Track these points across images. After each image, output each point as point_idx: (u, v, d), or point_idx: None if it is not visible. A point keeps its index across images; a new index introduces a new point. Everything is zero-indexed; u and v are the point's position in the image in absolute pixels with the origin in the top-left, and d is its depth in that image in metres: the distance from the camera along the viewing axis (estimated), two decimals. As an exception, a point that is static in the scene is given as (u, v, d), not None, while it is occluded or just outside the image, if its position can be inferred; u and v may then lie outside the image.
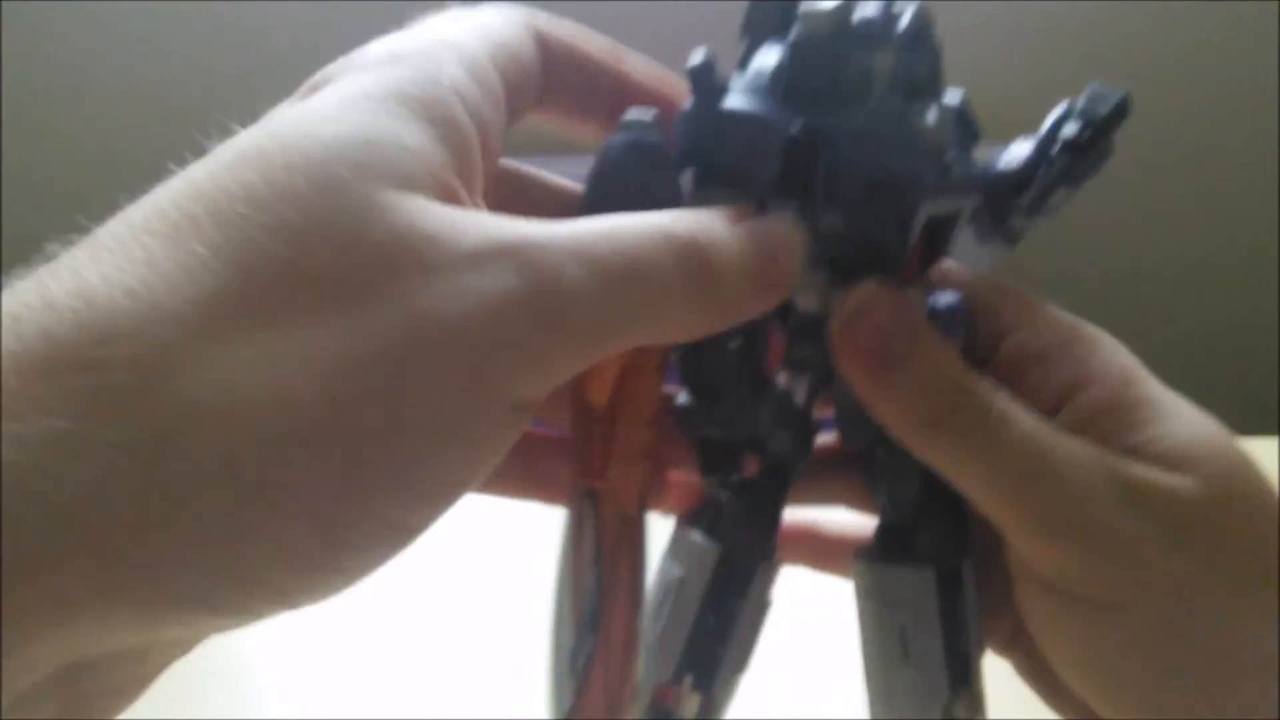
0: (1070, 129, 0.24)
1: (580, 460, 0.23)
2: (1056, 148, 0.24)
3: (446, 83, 0.20)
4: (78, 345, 0.15)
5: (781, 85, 0.24)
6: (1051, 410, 0.24)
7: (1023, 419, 0.23)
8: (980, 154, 0.26)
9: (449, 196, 0.19)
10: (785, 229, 0.22)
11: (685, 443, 0.26)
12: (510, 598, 0.54)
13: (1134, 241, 1.30)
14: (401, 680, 0.50)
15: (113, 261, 0.16)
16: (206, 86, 1.26)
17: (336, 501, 0.16)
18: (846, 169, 0.23)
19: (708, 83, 0.24)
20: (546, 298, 0.17)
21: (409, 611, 0.53)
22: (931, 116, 0.24)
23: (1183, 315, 1.34)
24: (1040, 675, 0.27)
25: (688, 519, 0.28)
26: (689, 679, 0.27)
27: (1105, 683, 0.24)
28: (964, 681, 0.27)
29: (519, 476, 0.26)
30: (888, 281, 0.24)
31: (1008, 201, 0.25)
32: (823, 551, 0.31)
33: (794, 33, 0.24)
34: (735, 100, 0.24)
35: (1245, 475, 0.24)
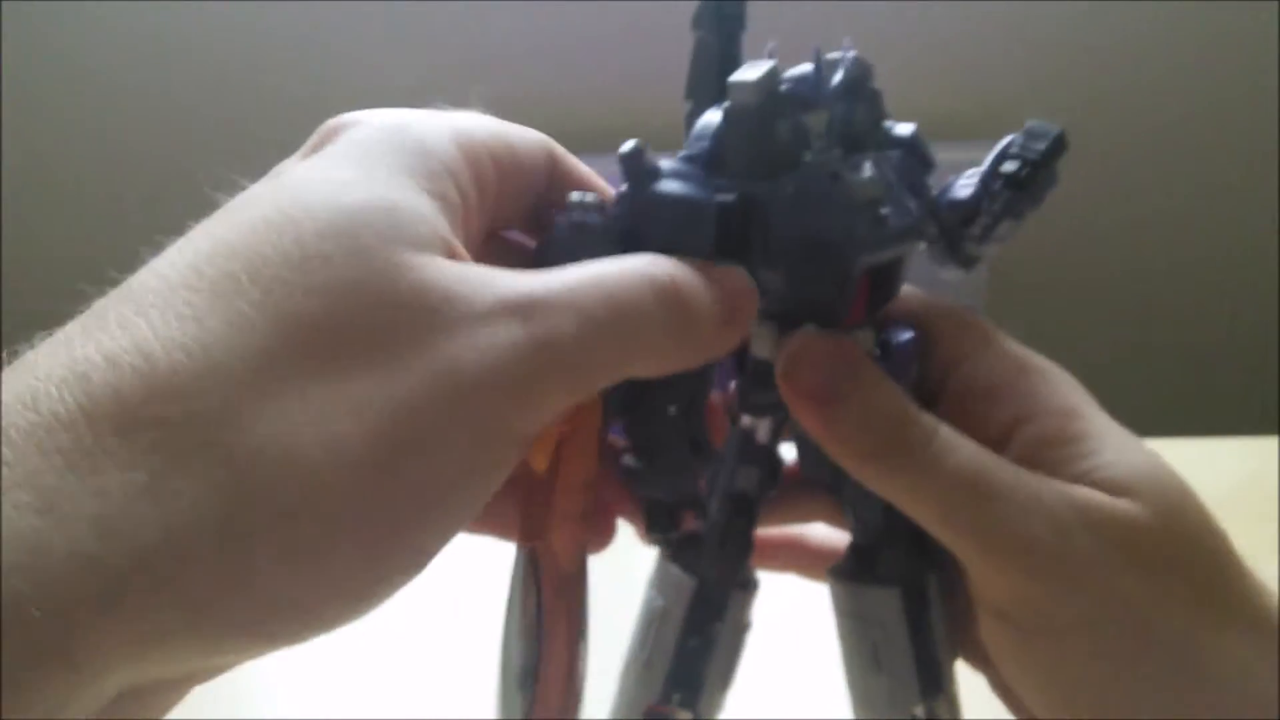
0: (1009, 166, 0.26)
1: (523, 523, 0.26)
2: (998, 184, 0.26)
3: (445, 159, 0.22)
4: (146, 402, 0.16)
5: (716, 154, 0.25)
6: (999, 443, 0.25)
7: (963, 448, 0.24)
8: (946, 174, 0.27)
9: (454, 256, 0.21)
10: (741, 275, 0.24)
11: (631, 499, 0.28)
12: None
13: (1134, 241, 1.30)
14: (401, 680, 0.50)
15: (161, 318, 0.17)
16: (207, 86, 1.26)
17: (379, 536, 0.18)
18: (781, 233, 0.25)
19: (638, 168, 0.25)
20: (548, 345, 0.20)
21: (408, 612, 0.53)
22: (865, 171, 0.25)
23: (1183, 315, 1.34)
24: (1010, 694, 0.28)
25: (669, 555, 0.31)
26: (676, 698, 0.30)
27: (1067, 706, 0.25)
28: (935, 686, 0.28)
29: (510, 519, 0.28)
30: (830, 328, 0.26)
31: (959, 231, 0.27)
32: (807, 561, 0.33)
33: (726, 103, 0.25)
34: (666, 184, 0.25)
35: (1188, 502, 0.25)
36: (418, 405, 0.18)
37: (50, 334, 0.18)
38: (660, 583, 0.31)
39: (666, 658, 0.30)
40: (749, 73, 0.25)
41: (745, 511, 0.30)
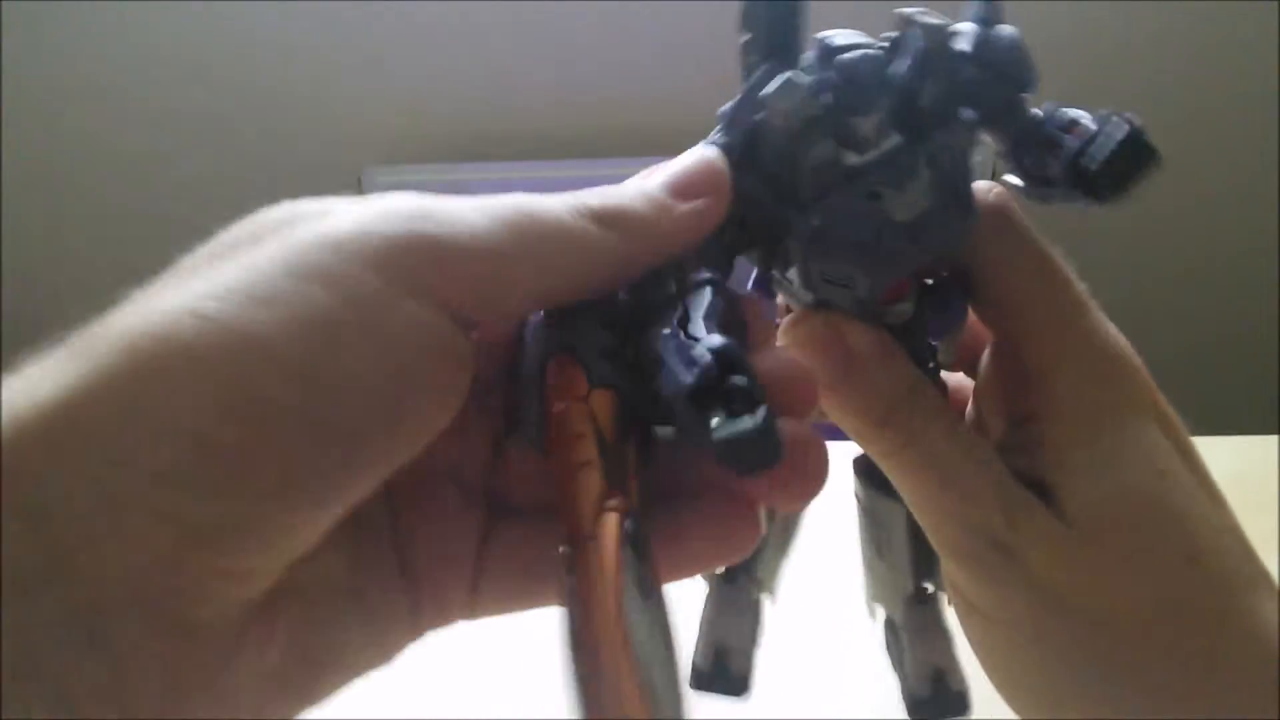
0: (1088, 161, 0.25)
1: (568, 519, 0.21)
2: (1079, 175, 0.25)
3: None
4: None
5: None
6: (1019, 419, 0.27)
7: (955, 445, 0.26)
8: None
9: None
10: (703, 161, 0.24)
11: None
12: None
13: (1134, 241, 1.30)
14: (400, 680, 0.50)
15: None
16: (208, 88, 1.26)
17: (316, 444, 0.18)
18: (802, 263, 0.25)
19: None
20: (424, 217, 0.20)
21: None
22: (915, 180, 0.24)
23: (1183, 315, 1.34)
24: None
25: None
26: None
27: (1016, 690, 0.27)
28: (927, 574, 0.32)
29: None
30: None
31: (1041, 159, 0.26)
32: None
33: (760, 114, 0.24)
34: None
35: (1141, 536, 0.25)
36: (268, 268, 0.18)
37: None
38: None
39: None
40: (786, 95, 0.23)
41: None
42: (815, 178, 0.24)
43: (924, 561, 0.31)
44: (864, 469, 0.31)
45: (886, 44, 0.25)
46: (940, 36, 0.24)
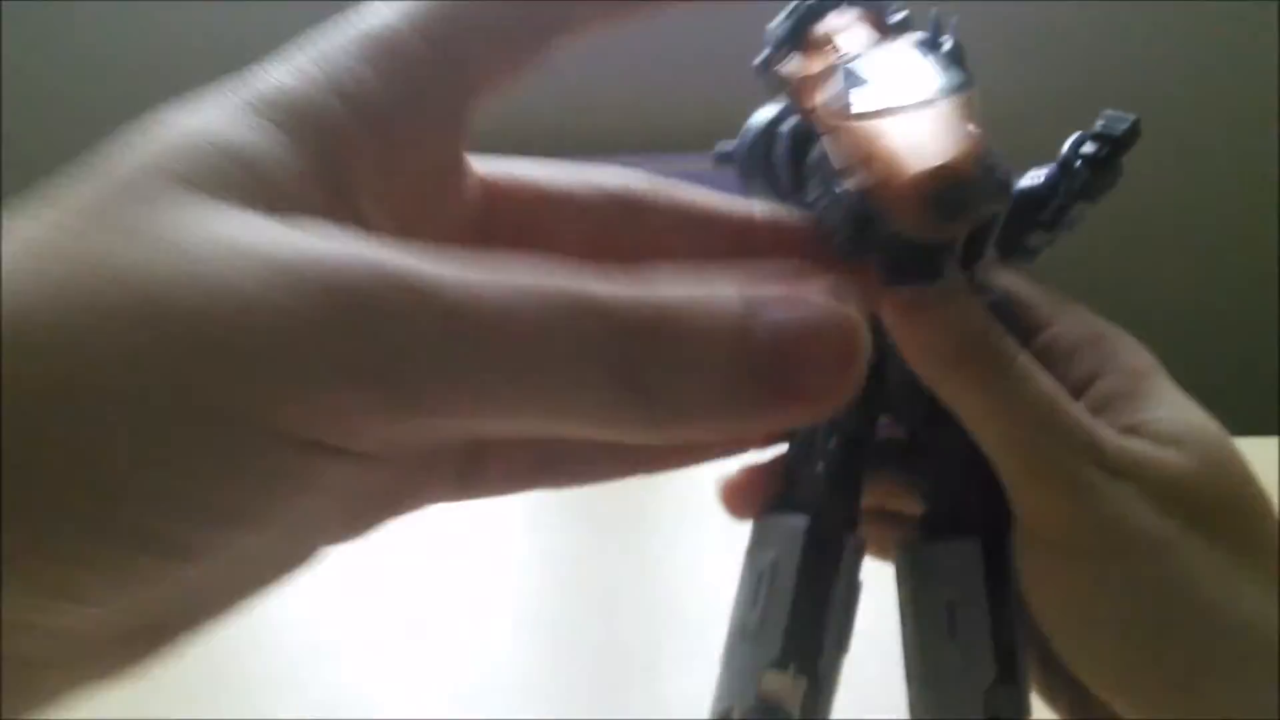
0: (1090, 147, 0.27)
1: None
2: (1078, 164, 0.27)
3: (321, 80, 0.17)
4: None
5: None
6: (1075, 393, 0.27)
7: (1042, 378, 0.25)
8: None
9: (295, 206, 0.16)
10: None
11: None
12: (505, 597, 0.54)
13: (1134, 241, 1.30)
14: (400, 680, 0.50)
15: None
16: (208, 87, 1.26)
17: (86, 499, 0.14)
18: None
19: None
20: (365, 337, 0.14)
21: (409, 613, 0.53)
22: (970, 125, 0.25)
23: (1183, 315, 1.34)
24: (1052, 691, 0.29)
25: (769, 509, 0.29)
26: (793, 665, 0.27)
27: (1077, 628, 0.26)
28: (1009, 671, 0.27)
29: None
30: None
31: (1029, 218, 0.27)
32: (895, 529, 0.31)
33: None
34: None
35: (1232, 460, 0.27)
36: (137, 350, 0.14)
37: None
38: (766, 536, 0.29)
39: (781, 618, 0.27)
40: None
41: (854, 452, 0.29)
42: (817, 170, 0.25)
43: (1006, 628, 0.27)
44: (916, 538, 0.29)
45: None
46: (959, 52, 0.26)
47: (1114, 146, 0.27)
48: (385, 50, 0.18)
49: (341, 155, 0.17)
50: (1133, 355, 0.28)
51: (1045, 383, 0.25)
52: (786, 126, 0.27)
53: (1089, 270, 1.31)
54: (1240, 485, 0.27)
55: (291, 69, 0.18)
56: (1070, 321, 0.28)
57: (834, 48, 0.22)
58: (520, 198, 0.22)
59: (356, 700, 0.48)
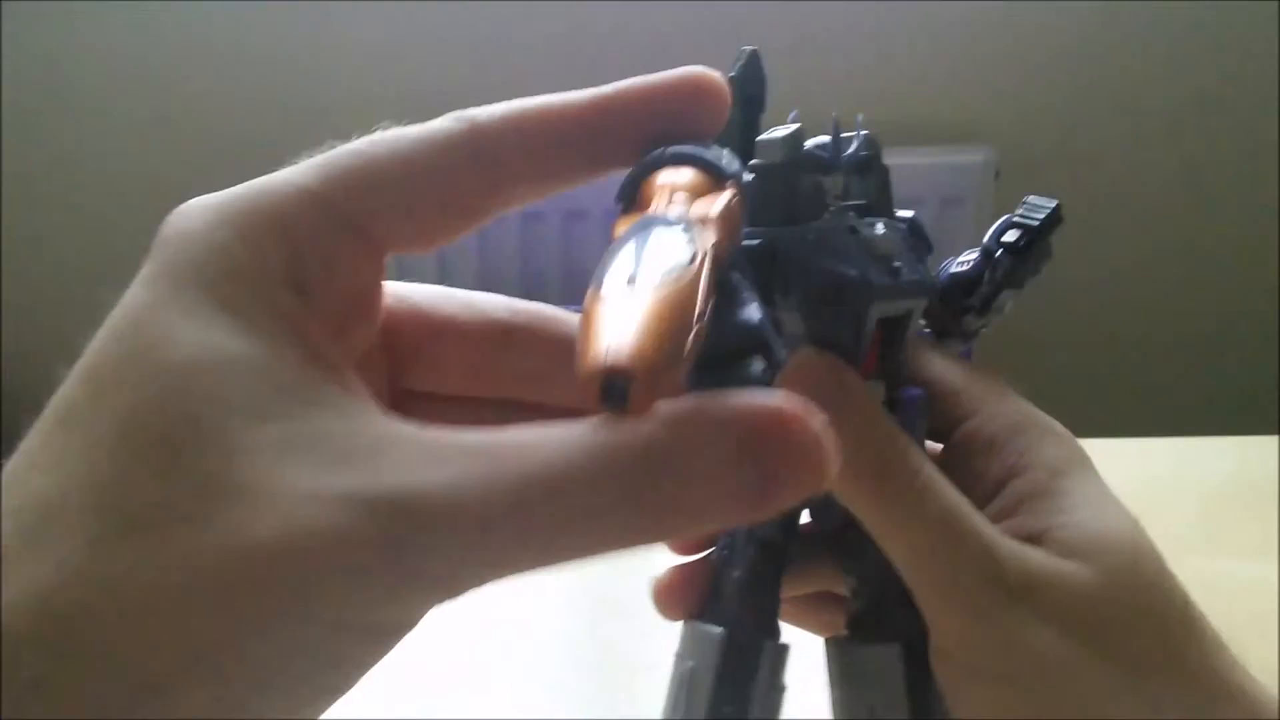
0: (1010, 235, 0.28)
1: None
2: (999, 253, 0.28)
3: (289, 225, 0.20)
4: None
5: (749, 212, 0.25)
6: (990, 494, 0.27)
7: (944, 494, 0.26)
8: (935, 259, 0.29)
9: (309, 399, 0.18)
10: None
11: None
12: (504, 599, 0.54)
13: (1134, 241, 1.30)
14: (400, 680, 0.50)
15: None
16: (208, 88, 1.26)
17: (206, 706, 0.17)
18: (802, 278, 0.26)
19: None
20: (400, 540, 0.17)
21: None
22: (879, 228, 0.27)
23: (1183, 315, 1.34)
24: None
25: (692, 614, 0.30)
26: None
27: None
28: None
29: None
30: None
31: (959, 303, 0.29)
32: (830, 613, 0.32)
33: (753, 162, 0.27)
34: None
35: (1140, 569, 0.26)
36: (207, 581, 0.16)
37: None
38: (688, 644, 0.30)
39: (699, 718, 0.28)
40: (776, 132, 0.27)
41: (770, 559, 0.30)
42: (808, 203, 0.27)
43: (925, 708, 0.28)
44: (842, 636, 0.30)
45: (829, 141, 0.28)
46: (874, 147, 0.28)
47: (1032, 236, 0.28)
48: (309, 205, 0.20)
49: (303, 262, 0.20)
50: (1053, 449, 0.27)
51: (947, 499, 0.25)
52: None
53: (1089, 270, 1.31)
54: (1148, 597, 0.26)
55: (273, 193, 0.20)
56: (993, 412, 0.28)
57: (649, 209, 0.21)
58: (411, 322, 0.24)
59: (352, 700, 0.48)
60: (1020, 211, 0.28)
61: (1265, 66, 1.21)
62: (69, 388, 0.19)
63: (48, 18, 1.23)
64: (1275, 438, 0.63)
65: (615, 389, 0.16)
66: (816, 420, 0.17)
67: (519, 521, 0.17)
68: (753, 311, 0.20)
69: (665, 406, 0.17)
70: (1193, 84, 1.24)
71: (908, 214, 0.29)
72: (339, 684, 0.19)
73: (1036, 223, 0.28)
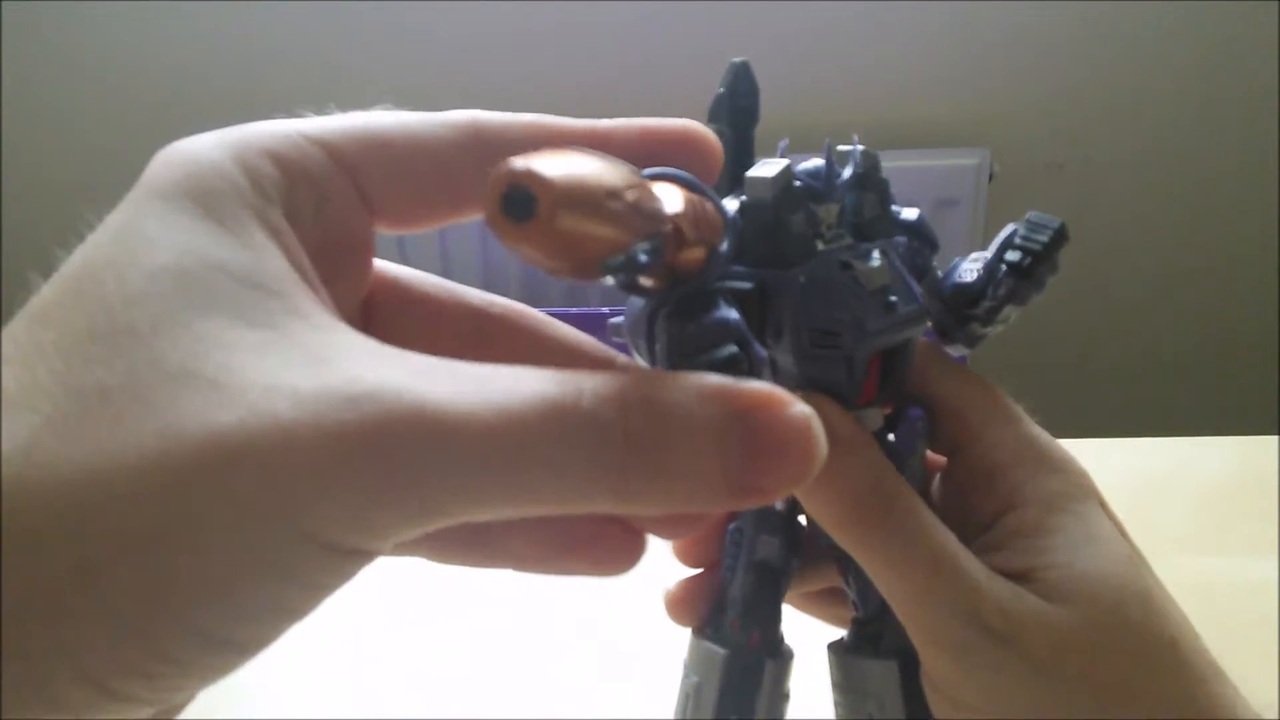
0: (1013, 255, 0.28)
1: None
2: (1003, 272, 0.28)
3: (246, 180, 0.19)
4: None
5: (733, 245, 0.24)
6: (986, 524, 0.27)
7: (934, 535, 0.26)
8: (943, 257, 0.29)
9: (293, 309, 0.18)
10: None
11: None
12: (505, 601, 0.54)
13: (1134, 241, 1.30)
14: (398, 681, 0.50)
15: None
16: (207, 88, 1.26)
17: (147, 612, 0.16)
18: (794, 321, 0.26)
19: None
20: (377, 454, 0.16)
21: (409, 617, 0.53)
22: (874, 260, 0.27)
23: (1183, 315, 1.34)
24: None
25: (699, 630, 0.31)
26: None
27: None
28: None
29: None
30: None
31: (963, 312, 0.29)
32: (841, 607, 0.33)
33: (742, 196, 0.26)
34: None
35: (1131, 612, 0.26)
36: (178, 472, 0.15)
37: None
38: (693, 659, 0.31)
39: None
40: (764, 170, 0.26)
41: (769, 581, 0.30)
42: (798, 244, 0.26)
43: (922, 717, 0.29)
44: (843, 645, 0.31)
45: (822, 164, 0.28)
46: (871, 161, 0.28)
47: (1037, 256, 0.28)
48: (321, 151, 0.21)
49: (297, 192, 0.20)
50: (1050, 482, 0.27)
51: (934, 540, 0.26)
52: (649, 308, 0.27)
53: (1089, 270, 1.32)
54: (1132, 641, 0.26)
55: (283, 139, 0.20)
56: (995, 440, 0.28)
57: None
58: (390, 293, 0.24)
59: (353, 700, 0.48)
60: (1023, 231, 0.28)
61: (1264, 67, 1.21)
62: (45, 291, 0.18)
63: (48, 18, 1.23)
64: (1275, 438, 0.63)
65: (517, 197, 0.15)
66: (805, 410, 0.17)
67: (518, 450, 0.16)
68: (730, 313, 0.21)
69: (662, 373, 0.17)
70: (1189, 85, 1.24)
71: (912, 213, 0.29)
72: (286, 604, 0.17)
73: (1040, 246, 0.28)
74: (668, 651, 0.32)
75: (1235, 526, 0.58)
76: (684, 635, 0.31)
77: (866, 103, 1.24)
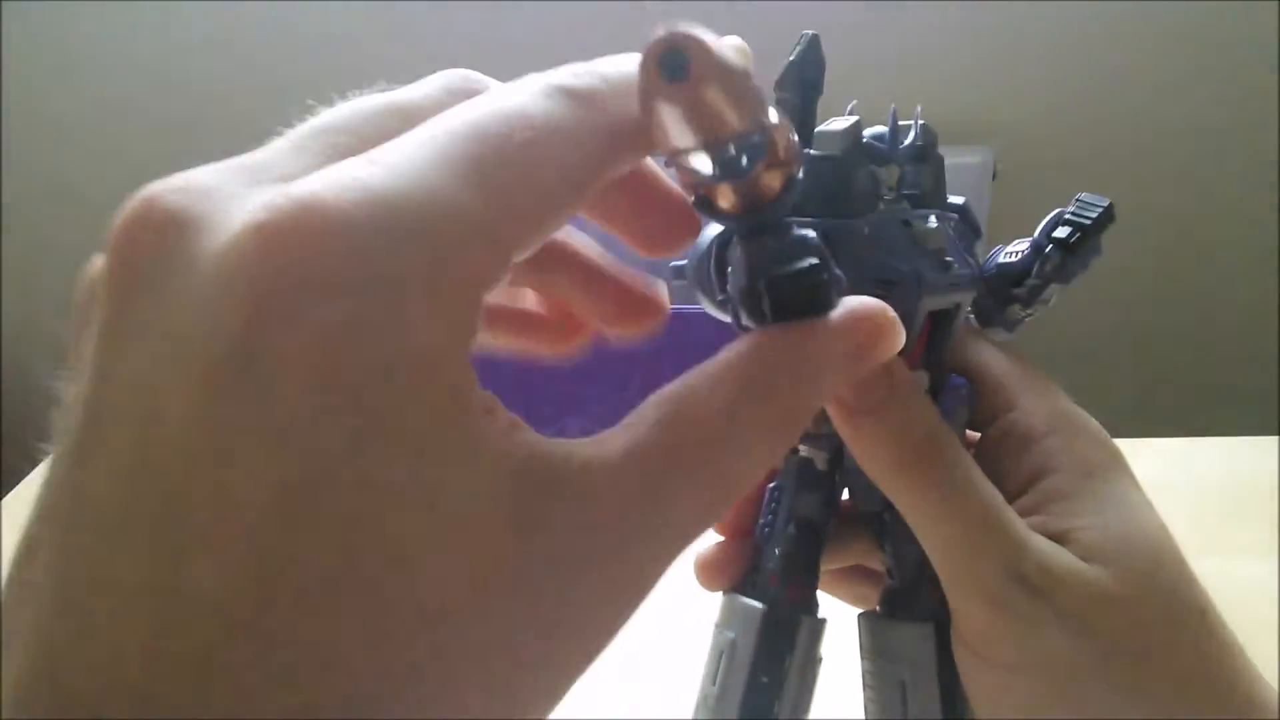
0: (1062, 231, 0.28)
1: None
2: (1050, 248, 0.28)
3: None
4: None
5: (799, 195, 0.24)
6: (1022, 488, 0.28)
7: (979, 488, 0.26)
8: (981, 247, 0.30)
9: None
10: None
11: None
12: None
13: (1133, 242, 1.30)
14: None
15: None
16: (207, 88, 1.26)
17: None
18: (854, 269, 0.26)
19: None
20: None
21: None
22: (932, 221, 0.28)
23: (1183, 315, 1.34)
24: None
25: (734, 589, 0.31)
26: None
27: None
28: (959, 706, 0.29)
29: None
30: None
31: (1006, 293, 0.29)
32: (870, 585, 0.34)
33: (812, 149, 0.27)
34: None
35: (1161, 576, 0.26)
36: None
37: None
38: (728, 616, 0.31)
39: (738, 692, 0.29)
40: (835, 124, 0.27)
41: (809, 537, 0.30)
42: (862, 198, 0.27)
43: (954, 691, 0.29)
44: (875, 613, 0.31)
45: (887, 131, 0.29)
46: (931, 136, 0.29)
47: (1084, 233, 0.28)
48: None
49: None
50: (1085, 449, 0.28)
51: (982, 492, 0.26)
52: (718, 241, 0.28)
53: (1089, 271, 1.31)
54: (1165, 603, 0.26)
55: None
56: (1031, 407, 0.28)
57: None
58: None
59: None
60: (1072, 208, 0.29)
61: (1266, 68, 1.21)
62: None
63: (48, 18, 1.23)
64: (1275, 438, 0.63)
65: (674, 58, 0.16)
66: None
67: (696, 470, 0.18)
68: (808, 232, 0.22)
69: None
70: (1192, 85, 1.24)
71: (959, 199, 0.30)
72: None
73: (1089, 221, 0.28)
74: (683, 651, 0.32)
75: (1235, 527, 0.58)
76: (701, 633, 0.31)
77: (869, 101, 1.24)
